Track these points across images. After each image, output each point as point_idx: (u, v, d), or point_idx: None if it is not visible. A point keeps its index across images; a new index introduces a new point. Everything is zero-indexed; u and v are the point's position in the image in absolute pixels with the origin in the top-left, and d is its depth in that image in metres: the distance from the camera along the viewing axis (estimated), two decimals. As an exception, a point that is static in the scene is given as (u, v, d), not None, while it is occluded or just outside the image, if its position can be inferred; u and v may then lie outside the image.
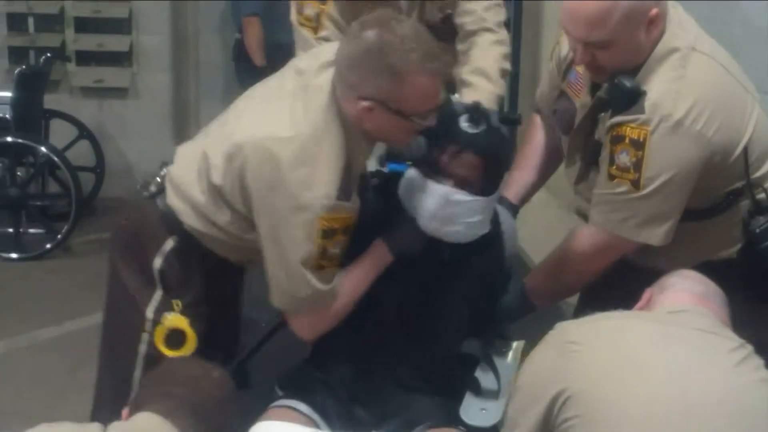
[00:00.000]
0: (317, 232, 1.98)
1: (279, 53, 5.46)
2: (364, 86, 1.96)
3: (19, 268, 5.11)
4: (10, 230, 5.30)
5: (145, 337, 2.20)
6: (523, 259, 2.73)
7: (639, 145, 1.99)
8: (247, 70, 5.56)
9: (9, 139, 5.22)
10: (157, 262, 2.18)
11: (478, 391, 2.21)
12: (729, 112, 2.03)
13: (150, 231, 2.20)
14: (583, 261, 2.21)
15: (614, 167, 2.04)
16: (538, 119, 2.56)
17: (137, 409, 1.65)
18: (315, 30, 2.71)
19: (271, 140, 1.98)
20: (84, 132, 5.92)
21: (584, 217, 2.31)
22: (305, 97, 2.04)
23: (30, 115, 5.45)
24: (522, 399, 1.76)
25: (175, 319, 2.18)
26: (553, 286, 2.33)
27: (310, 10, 2.72)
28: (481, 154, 2.15)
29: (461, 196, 2.13)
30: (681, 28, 2.07)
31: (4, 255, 5.19)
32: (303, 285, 2.03)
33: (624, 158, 2.02)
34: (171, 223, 2.17)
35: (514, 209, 2.49)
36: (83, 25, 6.09)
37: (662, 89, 2.00)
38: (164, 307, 2.19)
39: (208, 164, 2.11)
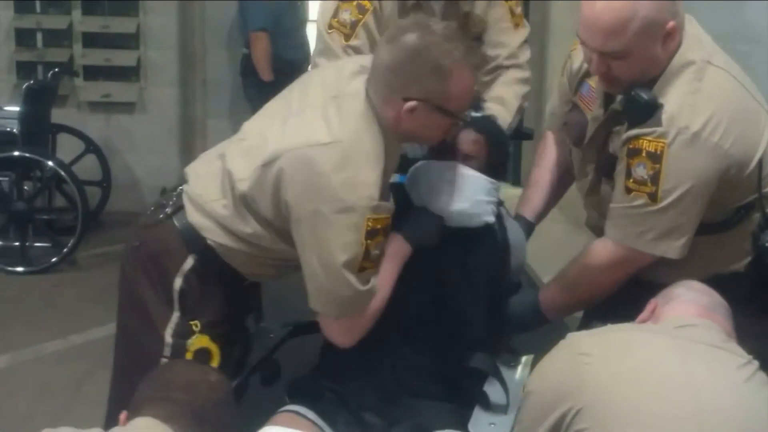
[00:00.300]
0: (363, 233, 1.99)
1: (286, 68, 5.53)
2: (409, 87, 2.00)
3: (25, 281, 5.12)
4: (17, 244, 5.32)
5: (163, 362, 2.16)
6: (528, 273, 2.72)
7: (656, 157, 1.99)
8: (255, 85, 5.59)
9: (16, 153, 5.24)
10: (177, 282, 2.17)
11: (487, 405, 2.20)
12: (744, 125, 2.03)
13: (168, 251, 2.18)
14: (600, 275, 2.20)
15: (631, 180, 2.04)
16: (550, 136, 2.56)
17: (136, 414, 1.65)
18: (347, 37, 2.69)
19: (311, 147, 2.01)
20: (91, 146, 5.94)
21: (595, 229, 2.31)
22: (338, 105, 2.06)
23: (37, 129, 5.47)
24: (533, 408, 1.75)
25: (197, 341, 2.17)
26: (568, 299, 2.31)
27: (346, 16, 2.70)
28: (483, 132, 2.30)
29: (466, 169, 2.24)
30: (697, 41, 2.07)
31: (11, 268, 5.20)
32: (346, 287, 2.03)
33: (641, 171, 2.01)
34: (191, 240, 2.16)
35: (530, 226, 2.50)
36: (91, 40, 6.13)
37: (679, 102, 2.00)
38: (182, 329, 2.18)
39: (232, 179, 2.12)
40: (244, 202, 2.10)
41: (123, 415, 1.69)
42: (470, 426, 2.14)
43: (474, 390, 2.23)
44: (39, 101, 5.49)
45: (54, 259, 5.25)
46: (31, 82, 5.59)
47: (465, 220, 2.23)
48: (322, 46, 2.76)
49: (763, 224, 2.09)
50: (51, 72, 5.75)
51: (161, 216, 2.21)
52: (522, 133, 3.12)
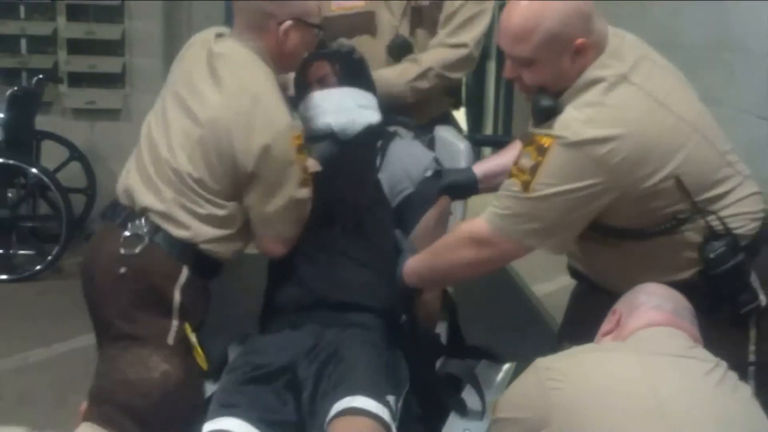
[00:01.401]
0: (294, 149, 2.29)
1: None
2: (281, 10, 2.34)
3: (9, 289, 5.09)
4: (1, 251, 5.29)
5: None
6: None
7: (542, 151, 2.03)
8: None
9: (0, 160, 5.20)
10: (176, 296, 2.32)
11: (464, 411, 2.21)
12: (644, 144, 2.03)
13: (161, 273, 2.32)
14: (460, 247, 2.20)
15: (516, 166, 2.09)
16: None
17: (89, 412, 1.66)
18: None
19: (225, 109, 2.29)
20: (75, 153, 5.91)
21: None
22: (223, 67, 2.34)
23: (21, 136, 5.44)
24: None
25: (194, 337, 2.31)
26: (424, 269, 2.31)
27: None
28: (327, 56, 2.62)
29: (319, 92, 2.56)
30: (616, 56, 2.10)
31: (-6, 276, 5.16)
32: (296, 206, 2.33)
33: (526, 160, 2.06)
34: (183, 253, 2.33)
35: (472, 177, 2.58)
36: (76, 47, 6.09)
37: (577, 111, 2.04)
38: (180, 334, 2.30)
39: (181, 175, 2.32)
40: (201, 187, 2.31)
41: (82, 407, 1.71)
42: (444, 430, 2.15)
43: (449, 397, 2.24)
44: (23, 108, 5.45)
45: (38, 267, 5.22)
46: (15, 88, 5.55)
47: (349, 128, 2.49)
48: None
49: (708, 236, 2.11)
50: (35, 78, 5.71)
51: (143, 246, 2.33)
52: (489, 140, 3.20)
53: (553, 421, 1.61)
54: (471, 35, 2.93)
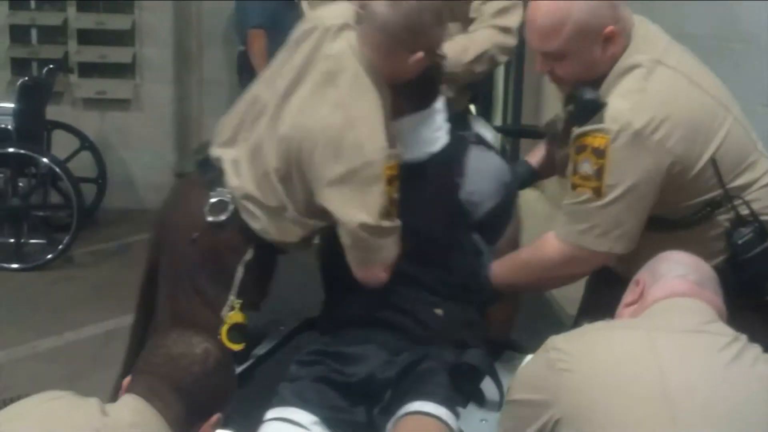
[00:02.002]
0: (384, 181, 2.17)
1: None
2: (417, 40, 2.20)
3: (20, 278, 5.11)
4: (12, 241, 5.31)
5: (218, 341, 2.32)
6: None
7: (600, 153, 2.03)
8: (251, 82, 5.58)
9: (11, 149, 5.24)
10: (239, 272, 2.36)
11: (482, 401, 2.22)
12: (691, 124, 2.05)
13: (230, 247, 2.37)
14: (548, 269, 2.24)
15: (577, 176, 2.09)
16: None
17: (132, 384, 1.71)
18: None
19: (318, 121, 2.20)
20: (86, 143, 5.94)
21: None
22: (332, 79, 2.23)
23: (32, 126, 5.46)
24: (514, 417, 1.75)
25: (234, 316, 2.35)
26: (514, 279, 2.35)
27: None
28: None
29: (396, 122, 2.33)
30: (646, 43, 2.11)
31: (6, 265, 5.19)
32: (383, 233, 2.22)
33: (586, 167, 2.06)
34: (251, 234, 2.35)
35: (530, 169, 2.60)
36: (86, 37, 6.13)
37: (623, 100, 2.04)
38: (230, 308, 2.37)
39: (265, 166, 2.30)
40: (282, 184, 2.29)
41: (126, 381, 1.75)
42: (461, 421, 2.16)
43: (469, 387, 2.25)
44: (34, 98, 5.47)
45: (49, 256, 5.24)
46: (26, 78, 5.58)
47: (417, 157, 2.35)
48: None
49: (735, 222, 2.12)
50: (46, 68, 5.74)
51: (223, 218, 2.36)
52: (521, 131, 3.17)
53: (561, 402, 1.61)
54: (517, 19, 2.83)
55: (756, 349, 1.66)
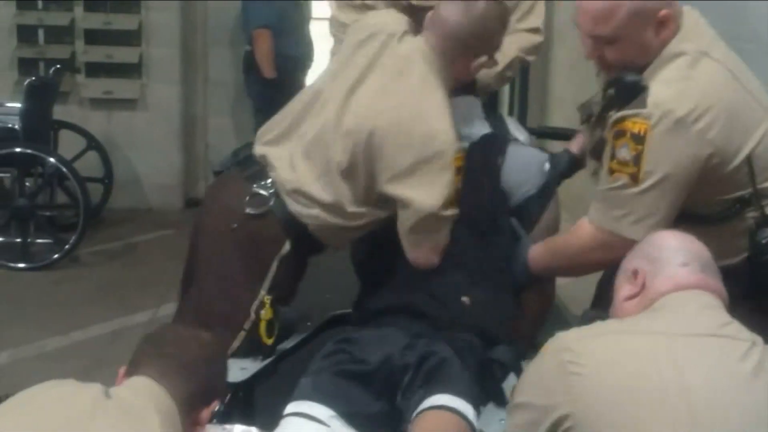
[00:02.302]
0: (454, 171, 2.27)
1: (289, 66, 5.54)
2: (484, 45, 2.38)
3: (26, 277, 5.12)
4: (18, 240, 5.31)
5: (242, 334, 2.41)
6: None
7: (639, 139, 2.00)
8: (257, 83, 5.59)
9: (18, 149, 5.24)
10: (274, 267, 2.41)
11: (502, 402, 2.20)
12: (733, 117, 2.03)
13: (268, 240, 2.41)
14: (582, 253, 2.24)
15: (615, 161, 2.07)
16: None
17: (134, 369, 1.71)
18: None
19: (384, 112, 2.27)
20: (92, 143, 5.95)
21: None
22: (402, 74, 2.32)
23: (39, 125, 5.47)
24: (522, 422, 1.70)
25: (268, 312, 2.38)
26: (550, 263, 2.37)
27: None
28: None
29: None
30: (695, 33, 2.09)
31: (12, 265, 5.20)
32: (442, 222, 2.31)
33: (624, 152, 2.04)
34: (290, 227, 2.40)
35: (573, 158, 2.60)
36: (93, 37, 6.13)
37: (666, 87, 2.02)
38: (261, 304, 2.40)
39: (327, 159, 2.34)
40: (345, 174, 2.33)
41: (121, 371, 1.75)
42: (480, 420, 2.14)
43: (492, 384, 2.24)
44: (41, 98, 5.48)
45: (55, 256, 5.24)
46: (33, 78, 5.58)
47: (470, 139, 2.49)
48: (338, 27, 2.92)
49: (760, 221, 2.10)
50: (53, 68, 5.75)
51: (262, 210, 2.41)
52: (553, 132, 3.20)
53: (573, 408, 1.56)
54: (540, 19, 2.94)
55: None
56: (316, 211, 2.38)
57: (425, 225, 2.31)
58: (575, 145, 2.63)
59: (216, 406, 1.78)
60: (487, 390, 2.23)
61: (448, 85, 2.36)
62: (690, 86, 2.01)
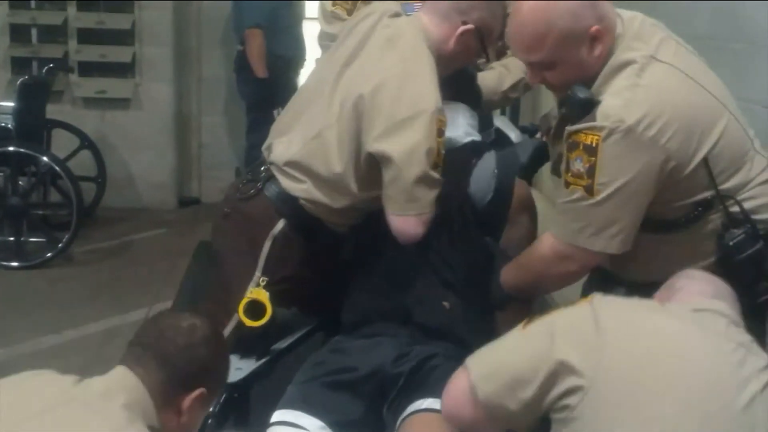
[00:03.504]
0: (436, 131, 2.25)
1: (281, 65, 5.55)
2: (471, 11, 2.38)
3: (20, 276, 5.12)
4: (12, 239, 5.31)
5: (236, 316, 2.40)
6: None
7: (592, 150, 2.00)
8: (249, 82, 5.59)
9: (11, 148, 5.23)
10: (266, 247, 2.41)
11: None
12: (686, 120, 2.02)
13: (259, 221, 2.42)
14: (545, 266, 2.22)
15: (569, 174, 2.06)
16: None
17: (123, 355, 1.78)
18: (350, 12, 2.98)
19: (376, 72, 2.31)
20: (86, 142, 5.95)
21: None
22: (393, 43, 2.36)
23: (32, 124, 5.46)
24: (538, 347, 1.69)
25: (255, 293, 2.37)
26: (519, 281, 2.33)
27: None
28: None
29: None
30: (638, 40, 2.08)
31: (6, 263, 5.20)
32: (429, 183, 2.27)
33: (578, 164, 2.03)
34: (283, 205, 2.41)
35: (540, 144, 2.60)
36: (86, 36, 6.14)
37: (615, 97, 2.01)
38: (255, 285, 2.41)
39: (319, 127, 2.37)
40: (332, 144, 2.34)
41: None
42: None
43: None
44: (34, 97, 5.47)
45: (49, 255, 5.24)
46: (26, 77, 5.59)
47: (453, 144, 2.50)
48: (327, 15, 3.01)
49: (726, 223, 2.09)
50: (46, 68, 5.74)
51: (252, 191, 2.45)
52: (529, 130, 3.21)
53: (595, 379, 1.59)
54: None
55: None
56: (306, 186, 2.38)
57: (409, 182, 2.26)
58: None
59: (200, 393, 1.78)
60: None
61: (433, 55, 2.36)
62: (638, 94, 2.00)
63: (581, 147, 2.02)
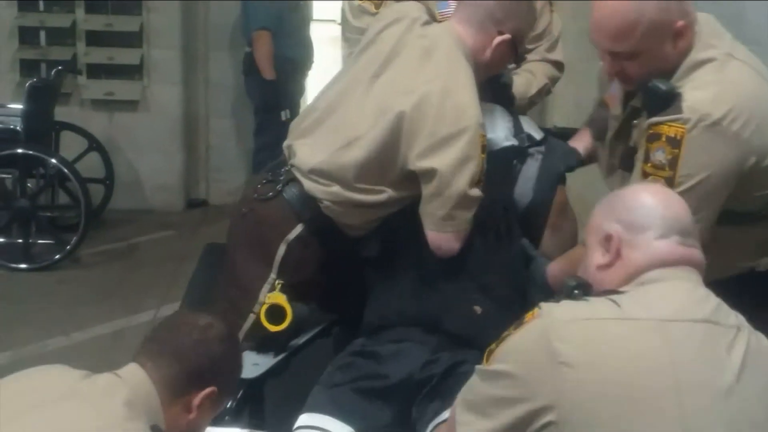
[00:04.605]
0: (480, 147, 2.26)
1: (288, 67, 5.56)
2: (507, 21, 2.39)
3: (28, 278, 5.14)
4: (20, 241, 5.33)
5: (251, 317, 2.39)
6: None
7: (675, 143, 2.01)
8: (257, 84, 5.60)
9: (20, 150, 5.25)
10: (281, 250, 2.39)
11: None
12: (765, 115, 2.05)
13: (275, 223, 2.41)
14: None
15: (649, 165, 2.06)
16: None
17: (137, 355, 1.78)
18: (377, 6, 2.92)
19: (413, 88, 2.29)
20: (94, 144, 5.96)
21: None
22: (431, 54, 2.35)
23: (41, 127, 5.48)
24: (497, 391, 1.60)
25: (274, 297, 2.37)
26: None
27: None
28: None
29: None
30: (716, 38, 2.11)
31: (14, 265, 5.21)
32: (470, 203, 2.28)
33: (659, 156, 2.03)
34: (303, 209, 2.39)
35: (575, 153, 2.64)
36: (94, 39, 6.15)
37: (701, 92, 2.03)
38: (271, 288, 2.40)
39: (350, 137, 2.34)
40: (372, 155, 2.32)
41: None
42: None
43: None
44: (42, 99, 5.49)
45: (57, 257, 5.25)
46: (35, 80, 5.61)
47: (493, 146, 2.47)
48: (354, 10, 2.96)
49: None
50: (54, 70, 5.76)
51: (271, 194, 2.43)
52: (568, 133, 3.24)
53: (557, 401, 1.49)
54: (563, 52, 3.07)
55: (756, 338, 1.60)
56: (335, 188, 2.36)
57: (451, 207, 2.27)
58: (580, 143, 2.65)
59: (212, 391, 1.78)
60: None
61: (471, 64, 2.37)
62: (724, 89, 2.02)
63: (664, 138, 2.02)
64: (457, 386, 2.09)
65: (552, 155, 2.61)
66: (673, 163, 2.01)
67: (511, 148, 2.54)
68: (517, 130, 2.70)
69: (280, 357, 2.41)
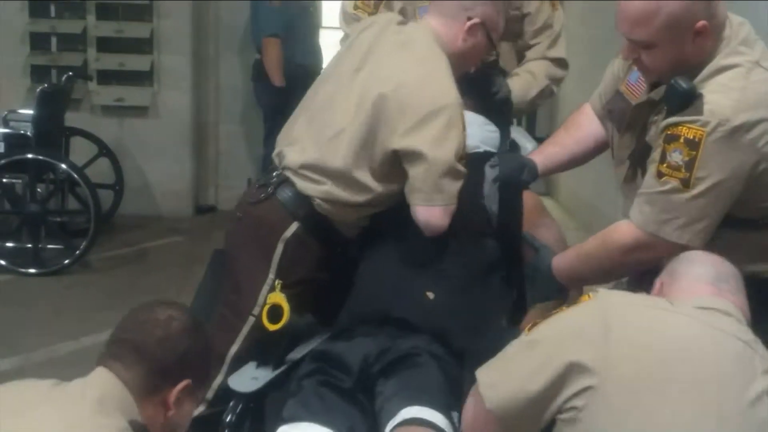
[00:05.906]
0: (461, 123, 2.33)
1: (298, 73, 5.57)
2: (476, 7, 2.45)
3: (37, 283, 5.14)
4: (30, 245, 5.34)
5: (251, 319, 2.42)
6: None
7: (694, 145, 2.02)
8: (266, 91, 5.62)
9: (30, 155, 5.27)
10: (279, 249, 2.42)
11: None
12: None
13: (270, 224, 2.44)
14: (617, 254, 2.22)
15: (665, 165, 2.07)
16: (588, 108, 2.62)
17: (102, 353, 1.76)
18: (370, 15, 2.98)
19: (394, 74, 2.36)
20: (104, 150, 5.98)
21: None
22: (407, 46, 2.42)
23: (51, 132, 5.51)
24: (539, 354, 1.70)
25: (273, 297, 2.38)
26: (579, 269, 2.34)
27: None
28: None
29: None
30: (746, 44, 2.11)
31: (23, 270, 5.23)
32: (455, 175, 2.32)
33: (676, 157, 2.04)
34: (297, 208, 2.43)
35: (535, 172, 2.60)
36: (105, 45, 6.18)
37: (724, 96, 2.04)
38: (271, 289, 2.42)
39: (335, 128, 2.39)
40: (353, 146, 2.36)
41: None
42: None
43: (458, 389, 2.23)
44: (53, 104, 5.52)
45: (66, 261, 5.27)
46: (45, 85, 5.63)
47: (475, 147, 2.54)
48: (348, 16, 3.01)
49: None
50: (65, 76, 5.79)
51: (262, 196, 2.46)
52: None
53: (601, 369, 1.59)
54: (565, 49, 3.06)
55: None
56: (326, 187, 2.40)
57: (437, 174, 2.30)
58: (539, 156, 2.64)
59: (186, 385, 1.75)
60: (456, 394, 2.19)
61: (454, 65, 2.41)
62: (746, 96, 2.03)
63: (682, 140, 2.04)
64: (413, 383, 2.12)
65: (514, 160, 2.62)
66: (690, 165, 2.03)
67: (483, 154, 2.57)
68: (502, 138, 2.71)
69: (279, 370, 2.39)
